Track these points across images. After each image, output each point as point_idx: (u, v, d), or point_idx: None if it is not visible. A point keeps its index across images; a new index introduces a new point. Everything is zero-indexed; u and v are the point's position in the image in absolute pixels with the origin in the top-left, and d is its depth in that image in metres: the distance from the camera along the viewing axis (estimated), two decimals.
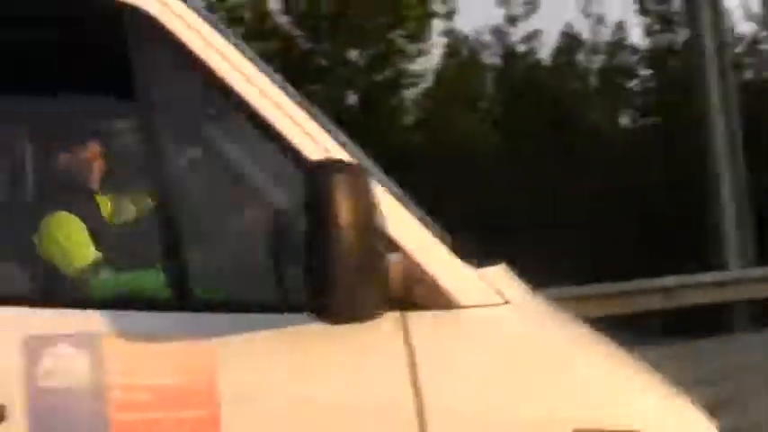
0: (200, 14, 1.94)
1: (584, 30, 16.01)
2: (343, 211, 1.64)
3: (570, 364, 1.98)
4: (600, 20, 15.82)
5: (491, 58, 15.99)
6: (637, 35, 20.66)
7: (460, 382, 1.87)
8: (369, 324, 1.78)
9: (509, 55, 15.67)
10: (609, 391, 1.99)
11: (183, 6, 1.91)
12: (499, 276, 2.03)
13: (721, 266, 11.23)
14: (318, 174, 1.66)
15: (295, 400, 1.82)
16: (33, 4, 1.93)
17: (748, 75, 15.13)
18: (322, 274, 1.65)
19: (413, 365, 1.85)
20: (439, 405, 1.84)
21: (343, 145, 1.94)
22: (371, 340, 1.85)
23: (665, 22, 15.27)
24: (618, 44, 15.83)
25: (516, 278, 2.13)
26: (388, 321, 1.85)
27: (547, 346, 1.99)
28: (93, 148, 2.43)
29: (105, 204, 2.51)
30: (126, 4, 1.89)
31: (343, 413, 1.84)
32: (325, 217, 1.64)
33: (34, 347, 1.76)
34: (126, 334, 1.79)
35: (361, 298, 1.68)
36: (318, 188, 1.64)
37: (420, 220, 1.92)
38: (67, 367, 1.77)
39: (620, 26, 15.86)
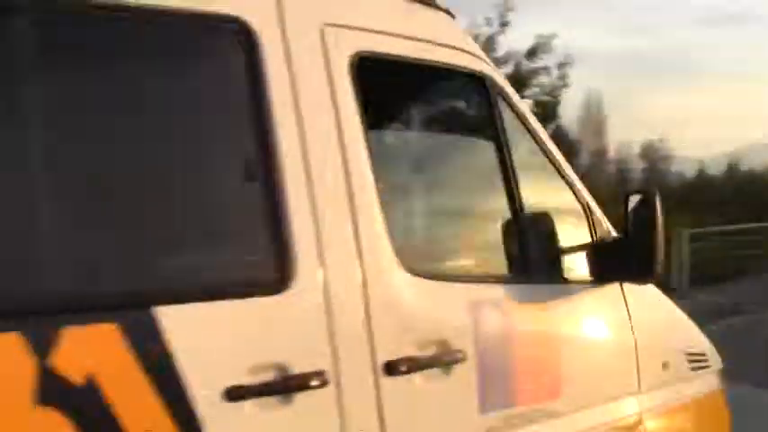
0: None
1: None
2: (659, 216, 2.78)
3: (676, 313, 3.33)
4: None
5: None
6: None
7: (647, 321, 3.13)
8: (606, 290, 2.93)
9: None
10: (691, 329, 3.38)
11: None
12: None
13: None
14: (651, 195, 2.77)
15: (583, 336, 2.89)
16: (422, 81, 2.66)
17: None
18: (650, 253, 2.75)
19: (627, 312, 3.03)
20: (640, 334, 3.06)
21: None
22: (612, 298, 2.99)
23: None
24: None
25: None
26: (615, 287, 3.00)
27: (666, 302, 3.31)
28: None
29: None
30: (484, 76, 2.76)
31: (605, 340, 2.96)
32: (653, 222, 2.75)
33: (477, 310, 2.54)
34: (516, 299, 2.67)
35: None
36: (651, 205, 2.75)
37: None
38: (494, 323, 2.59)
39: None
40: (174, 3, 2.12)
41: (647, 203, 2.83)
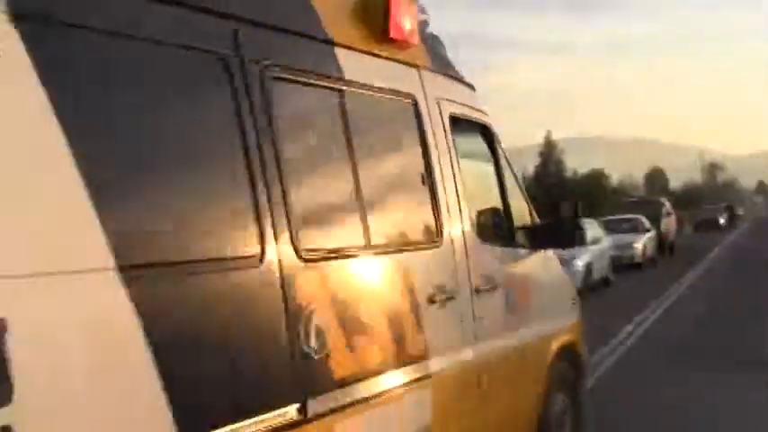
0: None
1: None
2: (580, 212, 4.94)
3: (563, 269, 5.53)
4: None
5: None
6: None
7: (557, 273, 5.30)
8: (539, 253, 5.06)
9: None
10: (570, 278, 5.62)
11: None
12: None
13: None
14: (576, 201, 4.92)
15: (526, 276, 4.95)
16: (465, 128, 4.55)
17: None
18: (570, 235, 4.90)
19: (542, 261, 5.18)
20: (557, 280, 5.21)
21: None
22: (542, 258, 5.11)
23: None
24: None
25: None
26: (541, 252, 5.13)
27: (558, 261, 5.50)
28: None
29: None
30: (487, 125, 4.74)
31: (539, 278, 5.05)
32: (576, 215, 4.90)
33: (498, 259, 4.50)
34: (510, 255, 4.67)
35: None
36: (575, 205, 4.91)
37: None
38: (504, 267, 4.56)
39: None
40: (389, 85, 3.83)
41: (568, 205, 5.00)
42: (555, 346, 5.17)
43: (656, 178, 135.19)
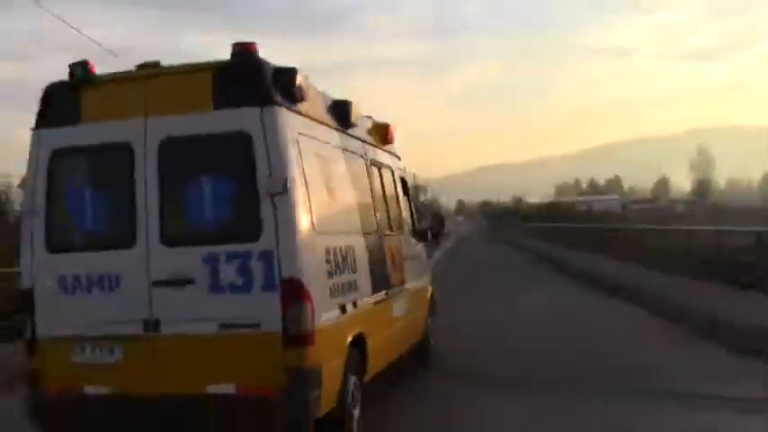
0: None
1: None
2: (444, 220, 10.09)
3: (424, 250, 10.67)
4: None
5: None
6: None
7: (421, 251, 10.41)
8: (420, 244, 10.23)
9: None
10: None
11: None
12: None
13: None
14: (441, 213, 10.05)
15: (419, 254, 10.11)
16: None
17: None
18: (439, 231, 10.08)
19: (424, 249, 10.27)
20: (420, 254, 10.34)
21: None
22: (421, 246, 10.18)
23: None
24: None
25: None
26: (421, 244, 10.24)
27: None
28: None
29: None
30: (405, 179, 9.72)
31: (421, 256, 10.28)
32: (442, 222, 10.11)
33: (409, 243, 9.47)
34: (414, 242, 9.70)
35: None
36: (442, 215, 10.11)
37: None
38: (413, 248, 9.57)
39: None
40: (387, 163, 8.71)
41: (437, 215, 10.10)
42: (428, 292, 10.20)
43: None
